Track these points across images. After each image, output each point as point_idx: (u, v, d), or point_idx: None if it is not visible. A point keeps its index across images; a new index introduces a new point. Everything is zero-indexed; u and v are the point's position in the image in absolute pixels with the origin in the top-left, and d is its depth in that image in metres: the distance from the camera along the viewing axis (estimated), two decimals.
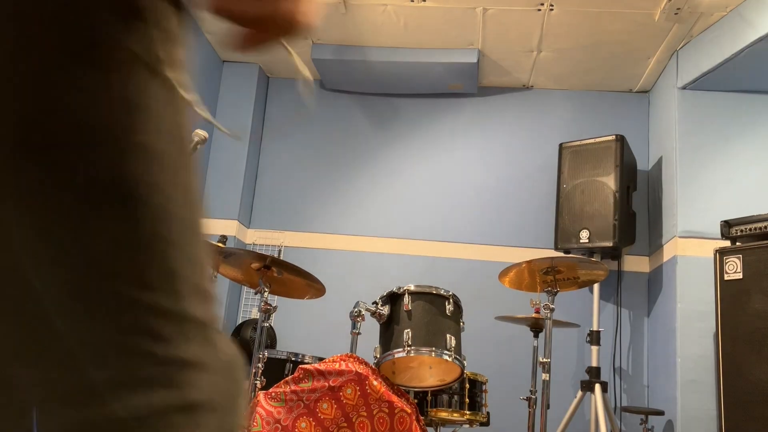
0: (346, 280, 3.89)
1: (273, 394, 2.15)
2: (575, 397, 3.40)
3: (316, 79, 4.27)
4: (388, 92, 4.21)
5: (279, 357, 2.60)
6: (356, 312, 2.29)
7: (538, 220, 3.92)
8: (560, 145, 3.70)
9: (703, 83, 3.48)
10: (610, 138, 3.53)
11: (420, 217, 3.88)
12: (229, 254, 2.58)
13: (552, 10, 3.35)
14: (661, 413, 3.21)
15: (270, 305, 2.41)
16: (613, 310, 3.79)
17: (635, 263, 3.83)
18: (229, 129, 3.22)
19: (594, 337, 3.45)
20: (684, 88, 3.56)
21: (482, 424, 2.77)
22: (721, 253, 2.85)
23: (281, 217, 4.12)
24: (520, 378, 3.55)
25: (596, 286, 3.54)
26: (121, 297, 0.57)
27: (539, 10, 3.36)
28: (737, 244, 2.87)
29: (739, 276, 2.76)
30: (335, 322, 3.77)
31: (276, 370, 2.53)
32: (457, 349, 2.25)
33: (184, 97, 0.62)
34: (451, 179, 4.09)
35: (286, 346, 3.75)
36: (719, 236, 2.97)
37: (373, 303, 2.35)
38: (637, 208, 3.72)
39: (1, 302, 0.59)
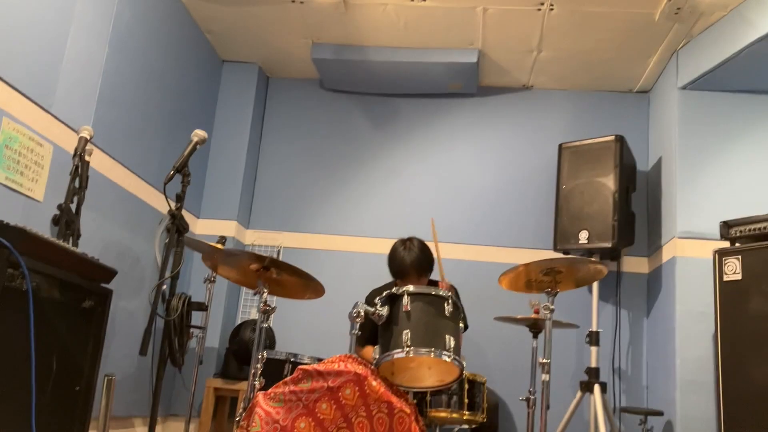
0: (345, 280, 3.88)
1: (272, 394, 2.14)
2: (574, 397, 3.40)
3: (316, 78, 4.26)
4: (387, 92, 4.20)
5: (278, 358, 2.60)
6: (355, 313, 2.28)
7: (538, 220, 3.91)
8: (560, 145, 3.69)
9: (703, 83, 3.47)
10: (609, 138, 3.52)
11: (419, 217, 3.87)
12: (228, 255, 2.58)
13: (552, 9, 3.35)
14: (660, 414, 3.21)
15: (269, 306, 2.41)
16: (612, 311, 3.78)
17: (634, 264, 3.82)
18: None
19: (593, 338, 3.44)
20: (684, 88, 3.55)
21: (481, 424, 2.77)
22: (721, 253, 2.84)
23: (280, 218, 4.12)
24: (519, 379, 3.54)
25: (595, 287, 3.54)
26: None
27: (539, 9, 3.35)
28: (736, 245, 2.86)
29: (739, 277, 2.76)
30: (334, 322, 3.77)
31: (275, 371, 2.53)
32: (456, 350, 2.25)
33: None
34: (450, 180, 4.08)
35: (284, 346, 3.74)
36: (718, 237, 2.96)
37: (372, 304, 2.35)
38: (637, 209, 3.71)
39: None
